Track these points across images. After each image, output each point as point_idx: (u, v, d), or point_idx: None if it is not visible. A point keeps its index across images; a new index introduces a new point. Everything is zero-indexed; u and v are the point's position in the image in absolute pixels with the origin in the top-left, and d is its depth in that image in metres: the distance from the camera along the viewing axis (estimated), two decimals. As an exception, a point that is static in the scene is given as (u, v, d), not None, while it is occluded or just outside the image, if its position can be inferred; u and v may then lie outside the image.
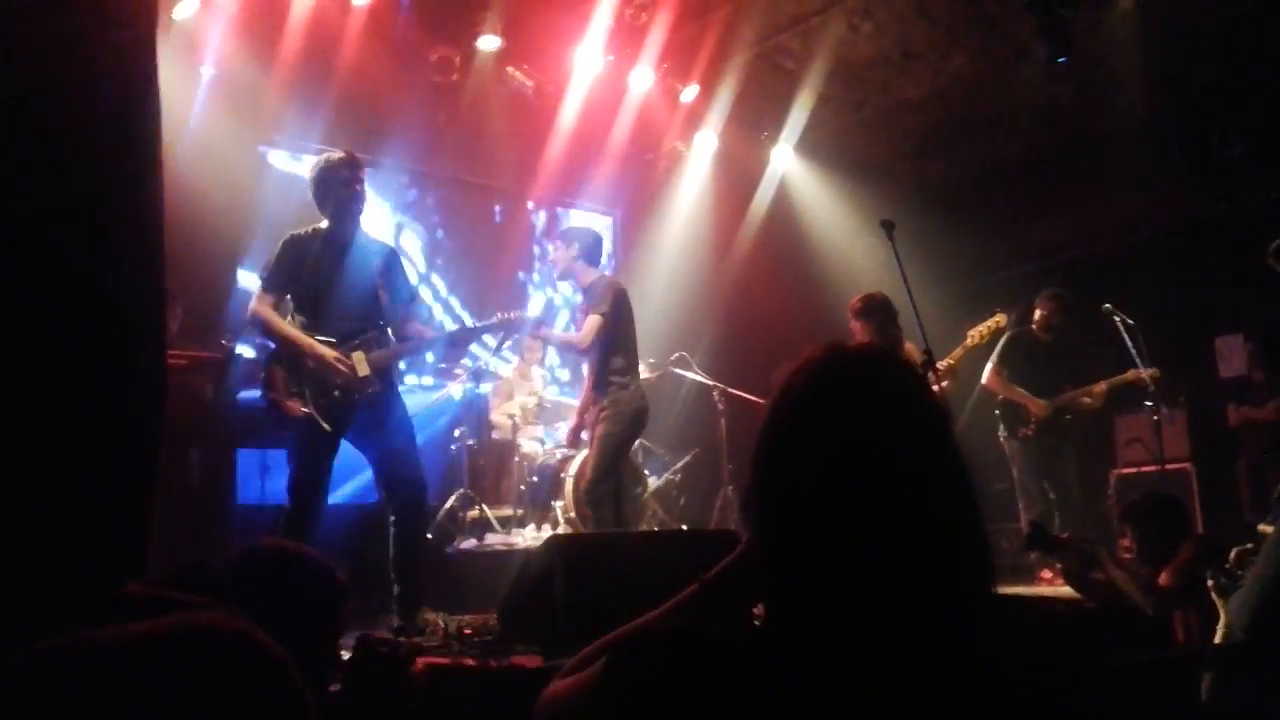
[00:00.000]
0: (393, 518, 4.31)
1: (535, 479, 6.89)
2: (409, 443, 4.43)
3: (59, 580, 2.01)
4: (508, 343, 6.53)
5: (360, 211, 4.44)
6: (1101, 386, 6.57)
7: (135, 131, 3.13)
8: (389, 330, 4.49)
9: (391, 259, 4.58)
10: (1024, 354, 6.65)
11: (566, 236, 5.64)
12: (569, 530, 6.27)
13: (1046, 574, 6.42)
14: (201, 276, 6.14)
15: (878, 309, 5.75)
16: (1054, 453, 6.57)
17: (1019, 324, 6.94)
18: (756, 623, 1.24)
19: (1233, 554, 3.43)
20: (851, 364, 1.17)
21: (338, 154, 4.45)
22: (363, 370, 4.27)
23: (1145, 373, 6.29)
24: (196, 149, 6.42)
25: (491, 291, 8.68)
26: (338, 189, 4.33)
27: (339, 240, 4.38)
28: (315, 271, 4.30)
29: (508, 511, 6.85)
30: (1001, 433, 6.67)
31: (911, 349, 5.49)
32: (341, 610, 1.77)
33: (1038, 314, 6.72)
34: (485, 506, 6.62)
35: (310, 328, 4.24)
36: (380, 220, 7.90)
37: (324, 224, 4.40)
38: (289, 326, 4.22)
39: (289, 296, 4.34)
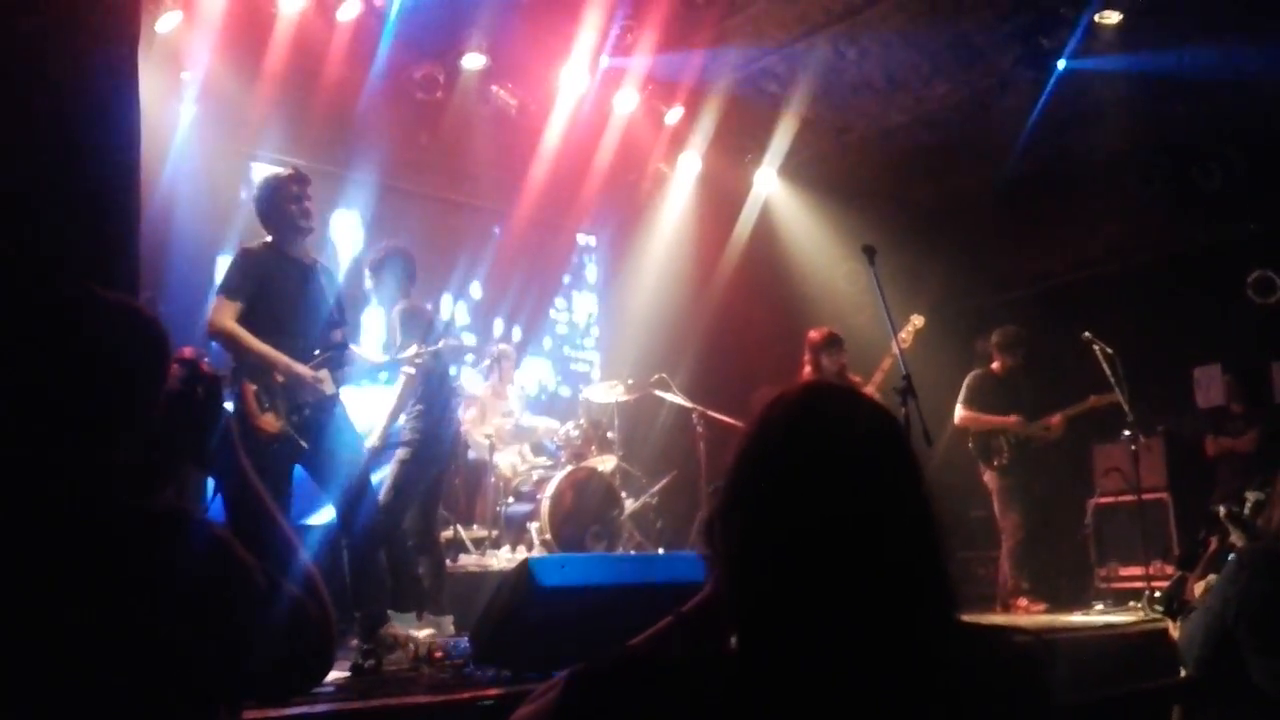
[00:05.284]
0: (345, 540, 4.22)
1: (511, 500, 6.82)
2: (360, 463, 4.35)
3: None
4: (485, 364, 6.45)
5: (311, 229, 4.36)
6: (1058, 417, 6.69)
7: (115, 141, 3.09)
8: (349, 348, 4.46)
9: (330, 276, 4.53)
10: (987, 391, 6.81)
11: (376, 264, 5.33)
12: (544, 553, 6.20)
13: (1022, 602, 6.41)
14: (177, 289, 6.05)
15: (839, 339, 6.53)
16: (1027, 484, 6.69)
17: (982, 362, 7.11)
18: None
19: (1198, 589, 3.36)
20: (828, 402, 1.22)
21: (286, 170, 4.40)
22: (329, 389, 4.22)
23: (1105, 399, 6.37)
24: (178, 161, 6.38)
25: (476, 310, 8.65)
26: (287, 205, 4.26)
27: (292, 256, 4.31)
28: (275, 287, 4.22)
29: (482, 533, 6.77)
30: (981, 466, 6.74)
31: (858, 379, 6.33)
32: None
33: (994, 353, 6.91)
34: (459, 527, 6.54)
35: (274, 345, 4.13)
36: (353, 235, 7.87)
37: (269, 239, 4.32)
38: (260, 342, 4.11)
39: (245, 312, 4.18)
